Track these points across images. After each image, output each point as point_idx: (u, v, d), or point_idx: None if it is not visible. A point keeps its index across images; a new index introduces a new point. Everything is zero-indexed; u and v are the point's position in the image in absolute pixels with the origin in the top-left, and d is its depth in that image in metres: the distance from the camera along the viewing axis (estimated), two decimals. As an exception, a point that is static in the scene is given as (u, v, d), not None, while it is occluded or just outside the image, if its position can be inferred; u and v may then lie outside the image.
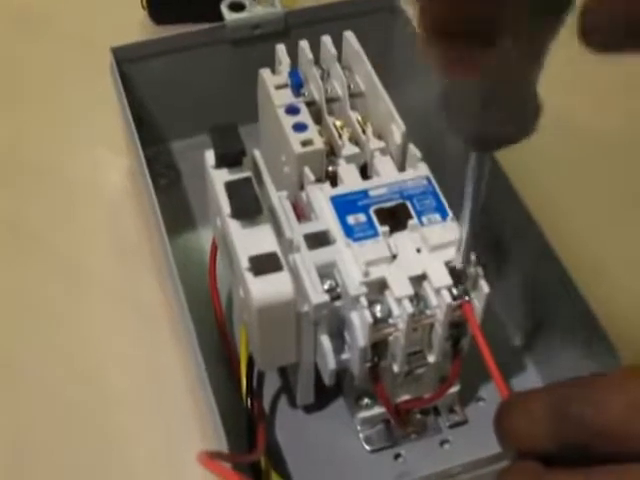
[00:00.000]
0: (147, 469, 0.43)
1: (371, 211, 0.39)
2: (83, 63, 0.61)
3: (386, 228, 0.39)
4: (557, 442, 0.29)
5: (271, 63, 0.48)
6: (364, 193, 0.40)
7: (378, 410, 0.43)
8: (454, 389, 0.44)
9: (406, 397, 0.43)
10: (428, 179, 0.41)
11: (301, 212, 0.42)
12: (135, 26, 0.65)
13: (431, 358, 0.41)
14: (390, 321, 0.38)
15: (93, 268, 0.51)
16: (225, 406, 0.43)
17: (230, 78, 0.54)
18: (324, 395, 0.45)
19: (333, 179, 0.43)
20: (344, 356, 0.40)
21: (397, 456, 0.44)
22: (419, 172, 0.41)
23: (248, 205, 0.38)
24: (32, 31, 0.65)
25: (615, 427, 0.27)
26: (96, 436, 0.45)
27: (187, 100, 0.54)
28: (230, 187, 0.39)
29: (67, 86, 0.61)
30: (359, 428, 0.44)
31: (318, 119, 0.46)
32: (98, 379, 0.47)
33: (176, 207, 0.54)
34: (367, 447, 0.44)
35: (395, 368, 0.40)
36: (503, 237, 0.47)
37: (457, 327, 0.40)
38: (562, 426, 0.29)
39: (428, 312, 0.38)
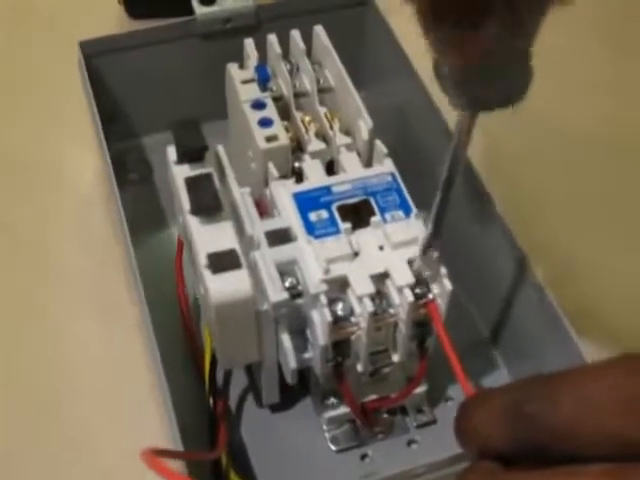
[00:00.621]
0: (110, 464, 0.43)
1: (333, 208, 0.39)
2: (58, 57, 0.60)
3: (348, 225, 0.38)
4: (514, 442, 0.29)
5: (242, 58, 0.47)
6: (327, 189, 0.40)
7: (344, 410, 0.43)
8: (421, 389, 0.43)
9: (373, 397, 0.43)
10: (393, 175, 0.40)
11: (265, 209, 0.42)
12: (112, 21, 0.64)
13: (396, 357, 0.40)
14: (352, 320, 0.37)
15: (62, 263, 0.51)
16: (189, 404, 0.43)
17: (202, 73, 0.53)
18: (291, 394, 0.44)
19: (300, 175, 0.42)
20: (307, 355, 0.39)
21: (364, 456, 0.43)
22: (384, 168, 0.41)
23: (207, 201, 0.38)
24: (7, 24, 0.65)
25: (567, 427, 0.27)
26: (58, 430, 0.44)
27: (159, 95, 0.53)
28: (190, 183, 0.38)
29: (41, 81, 0.61)
30: (325, 428, 0.43)
31: (286, 114, 0.45)
32: (63, 373, 0.46)
33: (147, 202, 0.53)
34: (333, 447, 0.43)
35: (359, 367, 0.39)
36: (467, 230, 0.47)
37: (422, 326, 0.39)
38: (517, 426, 0.28)
39: (391, 311, 0.38)
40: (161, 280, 0.45)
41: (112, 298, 0.49)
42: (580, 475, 0.26)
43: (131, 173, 0.55)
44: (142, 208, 0.53)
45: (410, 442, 0.44)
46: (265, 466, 0.43)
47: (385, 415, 0.44)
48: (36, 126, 0.58)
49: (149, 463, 0.27)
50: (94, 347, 0.47)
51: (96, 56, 0.50)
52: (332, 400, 0.43)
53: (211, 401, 0.41)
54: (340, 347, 0.38)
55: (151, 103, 0.54)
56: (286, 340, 0.38)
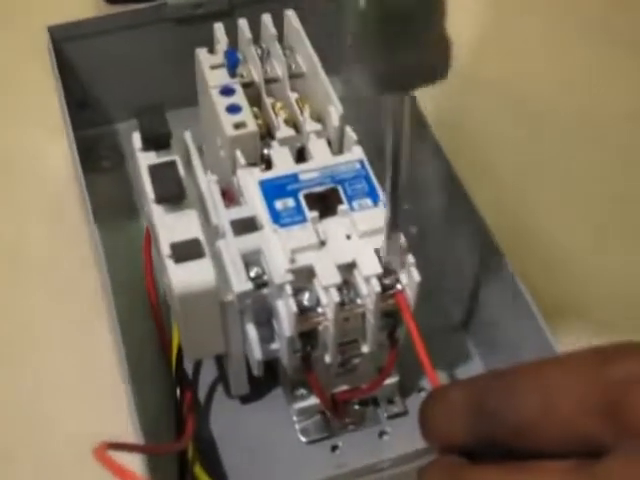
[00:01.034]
0: (69, 456, 0.42)
1: (300, 196, 0.38)
2: (33, 42, 0.59)
3: (315, 213, 0.37)
4: (475, 438, 0.28)
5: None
6: (294, 177, 0.39)
7: (314, 401, 0.42)
8: (392, 380, 0.42)
9: (343, 387, 0.42)
10: (362, 163, 0.39)
11: (233, 197, 0.41)
12: (88, 6, 0.63)
13: (365, 348, 0.39)
14: (319, 310, 0.37)
15: (31, 252, 0.50)
16: (158, 396, 0.42)
17: (175, 58, 0.52)
18: (261, 385, 0.43)
19: (269, 163, 0.42)
20: (273, 346, 0.39)
21: (334, 448, 0.43)
22: (353, 156, 0.40)
23: (171, 189, 0.37)
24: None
25: (529, 424, 0.26)
26: (24, 420, 0.44)
27: (131, 81, 0.53)
28: (153, 171, 0.37)
29: (15, 67, 0.60)
30: (295, 419, 0.43)
31: (257, 101, 0.44)
32: (27, 361, 0.46)
33: (119, 191, 0.52)
34: (303, 438, 0.43)
35: (327, 358, 0.39)
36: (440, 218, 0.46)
37: (391, 316, 0.38)
38: (479, 422, 0.28)
39: (358, 301, 0.37)
40: (132, 270, 0.45)
41: (81, 288, 0.48)
42: (542, 472, 0.26)
43: (103, 161, 0.54)
44: (114, 197, 0.52)
45: (381, 433, 0.43)
46: (233, 458, 0.42)
47: (356, 406, 0.43)
48: (5, 112, 0.57)
49: (99, 458, 0.26)
50: (60, 336, 0.47)
51: (65, 41, 0.50)
52: (302, 391, 0.42)
53: (178, 392, 0.41)
54: (308, 338, 0.38)
55: (123, 89, 0.53)
56: (252, 331, 0.37)
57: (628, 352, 0.25)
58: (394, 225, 0.34)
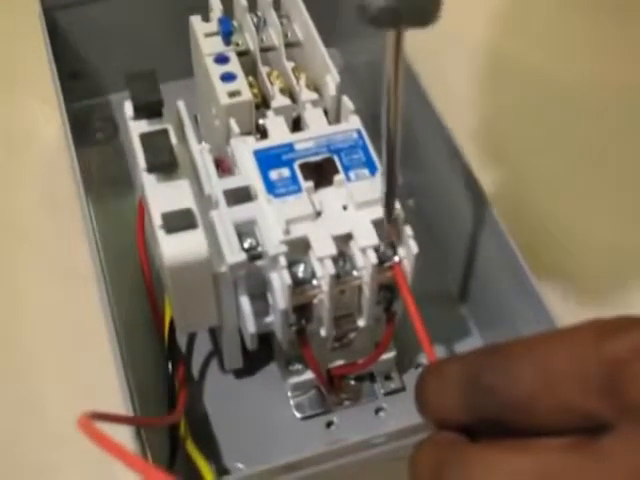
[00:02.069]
0: (64, 428, 0.41)
1: (295, 166, 0.37)
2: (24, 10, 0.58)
3: (310, 184, 0.36)
4: (471, 415, 0.27)
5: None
6: (290, 147, 0.38)
7: (309, 376, 0.41)
8: (389, 355, 0.42)
9: (339, 362, 0.41)
10: (359, 132, 0.38)
11: (227, 168, 0.40)
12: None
13: (361, 322, 0.39)
14: (314, 283, 0.36)
15: (22, 224, 0.49)
16: (151, 370, 0.41)
17: (170, 27, 0.51)
18: (256, 359, 0.43)
19: (265, 133, 0.41)
20: (268, 319, 0.38)
21: (329, 424, 0.42)
22: (350, 125, 0.39)
23: (162, 158, 0.36)
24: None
25: (526, 400, 0.25)
26: (13, 398, 0.43)
27: (125, 50, 0.51)
28: (145, 139, 0.36)
29: (8, 36, 0.58)
30: (290, 394, 0.42)
31: (252, 70, 0.43)
32: (19, 335, 0.45)
33: (113, 163, 0.52)
34: (298, 414, 0.42)
35: (322, 332, 0.38)
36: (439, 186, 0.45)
37: (388, 289, 0.38)
38: (475, 398, 0.27)
39: (354, 273, 0.36)
40: (125, 243, 0.44)
41: (73, 261, 0.47)
42: (539, 450, 0.25)
43: (97, 132, 0.53)
44: (107, 169, 0.51)
45: (378, 410, 0.42)
46: (227, 433, 0.41)
47: (352, 382, 0.43)
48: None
49: (84, 429, 0.25)
50: (50, 309, 0.46)
51: (57, 9, 0.48)
52: (297, 366, 0.41)
53: (170, 366, 0.40)
54: (302, 311, 0.37)
55: (117, 59, 0.51)
56: (245, 304, 0.37)
57: (628, 326, 0.24)
58: (391, 195, 0.33)
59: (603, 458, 0.23)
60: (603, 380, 0.24)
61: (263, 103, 0.42)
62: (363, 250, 0.35)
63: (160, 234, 0.35)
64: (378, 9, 0.25)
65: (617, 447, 0.23)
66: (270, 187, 0.36)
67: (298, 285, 0.35)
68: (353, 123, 0.39)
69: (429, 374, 0.29)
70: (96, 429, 0.25)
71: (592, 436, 0.24)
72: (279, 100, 0.41)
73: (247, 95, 0.40)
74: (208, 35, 0.43)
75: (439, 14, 0.25)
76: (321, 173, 0.37)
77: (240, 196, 0.37)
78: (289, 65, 0.43)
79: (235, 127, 0.39)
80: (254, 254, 0.36)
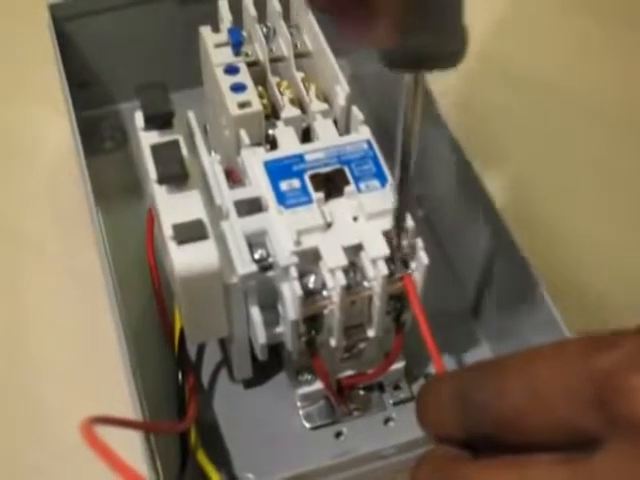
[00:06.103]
0: (73, 441, 0.41)
1: (306, 177, 0.37)
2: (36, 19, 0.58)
3: (321, 195, 0.37)
4: (465, 430, 0.27)
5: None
6: (300, 158, 0.38)
7: (319, 386, 0.41)
8: (399, 365, 0.42)
9: (349, 373, 0.41)
10: (369, 143, 0.38)
11: (237, 178, 0.40)
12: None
13: (371, 333, 0.39)
14: (324, 294, 0.36)
15: (30, 232, 0.50)
16: (161, 380, 0.41)
17: (180, 37, 0.51)
18: (265, 369, 0.43)
19: (274, 143, 0.41)
20: (278, 330, 0.38)
21: (338, 434, 0.42)
22: (360, 136, 0.39)
23: (173, 170, 0.36)
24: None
25: (515, 417, 0.25)
26: (22, 404, 0.43)
27: (134, 60, 0.52)
28: (155, 150, 0.37)
29: (13, 43, 0.59)
30: (299, 404, 0.42)
31: (262, 80, 0.43)
32: (30, 343, 0.45)
33: (122, 172, 0.52)
34: (307, 424, 0.42)
35: (332, 343, 0.38)
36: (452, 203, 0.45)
37: (398, 300, 0.38)
38: (467, 415, 0.27)
39: (365, 284, 0.36)
40: (135, 252, 0.44)
41: (82, 271, 0.47)
42: (530, 465, 0.25)
43: (106, 141, 0.53)
44: (117, 178, 0.52)
45: (387, 420, 0.42)
46: (236, 443, 0.42)
47: (361, 392, 0.43)
48: (8, 91, 0.56)
49: (85, 435, 0.24)
50: (60, 319, 0.46)
51: (67, 19, 0.49)
52: (306, 376, 0.41)
53: (180, 375, 0.40)
54: (313, 322, 0.37)
55: (126, 68, 0.52)
56: (256, 314, 0.37)
57: (616, 340, 0.24)
58: (403, 208, 0.34)
59: (593, 474, 0.23)
60: (592, 395, 0.23)
61: (273, 113, 0.42)
62: (374, 261, 0.35)
63: (171, 245, 0.35)
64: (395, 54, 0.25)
65: (607, 463, 0.23)
66: (281, 198, 0.36)
67: (309, 296, 0.35)
68: (363, 133, 0.39)
69: (426, 390, 0.29)
70: (95, 435, 0.24)
71: (584, 451, 0.24)
72: (289, 110, 0.41)
73: (257, 106, 0.40)
74: (218, 45, 0.43)
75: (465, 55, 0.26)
76: (332, 184, 0.37)
77: (251, 207, 0.37)
78: (299, 75, 0.43)
79: (245, 138, 0.39)
80: (265, 265, 0.36)
